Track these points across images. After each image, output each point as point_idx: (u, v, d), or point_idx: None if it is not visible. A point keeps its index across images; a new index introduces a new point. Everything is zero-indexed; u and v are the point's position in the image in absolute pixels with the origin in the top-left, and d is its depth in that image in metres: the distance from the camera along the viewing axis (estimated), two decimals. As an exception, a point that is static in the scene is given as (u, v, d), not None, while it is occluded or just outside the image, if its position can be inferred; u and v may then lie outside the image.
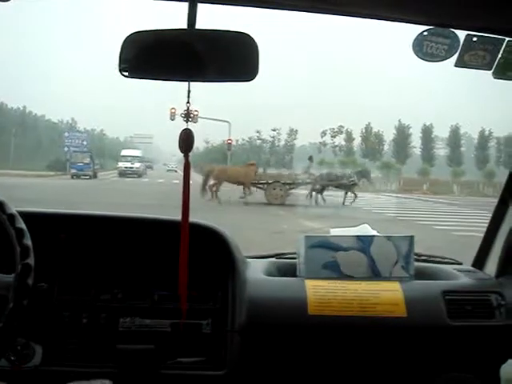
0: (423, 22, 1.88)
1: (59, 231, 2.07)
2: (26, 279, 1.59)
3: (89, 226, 2.14)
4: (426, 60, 1.92)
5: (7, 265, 1.66)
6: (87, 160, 38.60)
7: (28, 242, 1.63)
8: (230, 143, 40.69)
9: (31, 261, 1.62)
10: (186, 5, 1.60)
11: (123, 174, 41.62)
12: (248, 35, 1.60)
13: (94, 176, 37.95)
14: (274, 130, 50.39)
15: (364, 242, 2.17)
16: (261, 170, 23.64)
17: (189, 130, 1.66)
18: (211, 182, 20.75)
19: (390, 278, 2.16)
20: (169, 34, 1.63)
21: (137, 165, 43.60)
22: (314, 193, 21.33)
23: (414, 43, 1.91)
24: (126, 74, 1.64)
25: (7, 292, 1.60)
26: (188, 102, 1.65)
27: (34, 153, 53.50)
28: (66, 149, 43.31)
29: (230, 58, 1.63)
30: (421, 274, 2.24)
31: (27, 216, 1.71)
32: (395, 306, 2.02)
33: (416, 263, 2.25)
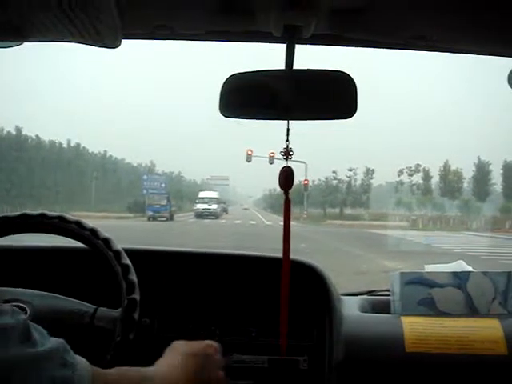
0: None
1: (159, 267, 2.12)
2: (132, 313, 1.64)
3: (188, 263, 2.18)
4: None
5: (113, 300, 1.71)
6: (164, 202, 39.21)
7: (133, 277, 1.68)
8: (306, 184, 40.81)
9: (137, 296, 1.66)
10: (283, 46, 1.63)
11: (200, 215, 42.06)
12: (346, 73, 1.61)
13: (171, 218, 38.44)
14: (350, 170, 50.43)
15: (460, 278, 2.12)
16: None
17: (289, 167, 1.66)
18: None
19: (487, 314, 2.11)
20: (267, 74, 1.66)
21: (214, 206, 44.04)
22: None
23: (509, 76, 1.88)
24: (226, 114, 1.67)
25: (114, 326, 1.64)
26: (287, 141, 1.66)
27: (113, 195, 55.00)
28: (144, 191, 44.29)
29: (329, 97, 1.64)
30: None
31: (129, 252, 1.76)
32: (495, 343, 1.97)
33: None
